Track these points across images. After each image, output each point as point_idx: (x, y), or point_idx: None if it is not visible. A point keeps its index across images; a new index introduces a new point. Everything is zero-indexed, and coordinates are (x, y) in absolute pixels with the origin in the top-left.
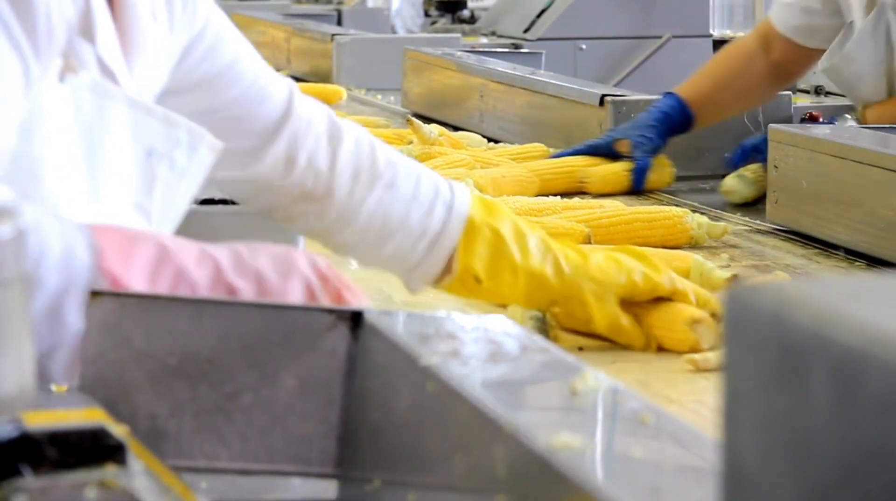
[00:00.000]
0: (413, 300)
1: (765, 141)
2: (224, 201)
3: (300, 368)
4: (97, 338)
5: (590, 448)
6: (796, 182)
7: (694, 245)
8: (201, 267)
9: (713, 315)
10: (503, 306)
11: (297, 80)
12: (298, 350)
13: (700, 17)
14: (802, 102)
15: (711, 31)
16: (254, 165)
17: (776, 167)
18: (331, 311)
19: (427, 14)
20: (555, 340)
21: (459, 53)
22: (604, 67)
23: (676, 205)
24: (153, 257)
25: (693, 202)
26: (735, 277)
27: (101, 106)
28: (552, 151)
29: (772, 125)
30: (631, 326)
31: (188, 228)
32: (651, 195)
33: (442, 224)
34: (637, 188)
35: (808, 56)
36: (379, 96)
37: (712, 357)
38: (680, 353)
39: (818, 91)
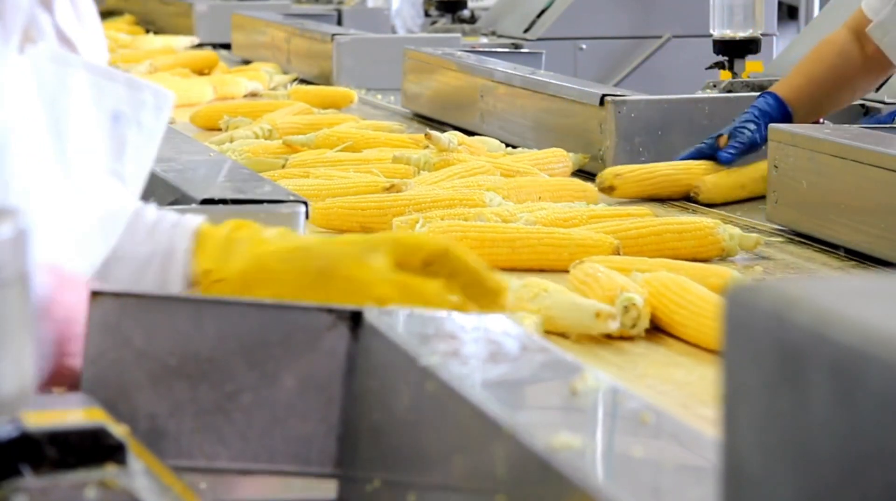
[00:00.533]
0: None
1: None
2: (224, 201)
3: (300, 368)
4: (97, 338)
5: (590, 448)
6: (796, 182)
7: (725, 257)
8: None
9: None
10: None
11: (304, 81)
12: (298, 350)
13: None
14: None
15: (711, 31)
16: None
17: (776, 167)
18: (331, 311)
19: (427, 14)
20: None
21: (459, 53)
22: (604, 67)
23: (675, 205)
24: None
25: (692, 203)
26: None
27: (63, 75)
28: (571, 155)
29: (772, 125)
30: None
31: None
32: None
33: (168, 240)
34: (722, 160)
35: None
36: (379, 96)
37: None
38: None
39: None
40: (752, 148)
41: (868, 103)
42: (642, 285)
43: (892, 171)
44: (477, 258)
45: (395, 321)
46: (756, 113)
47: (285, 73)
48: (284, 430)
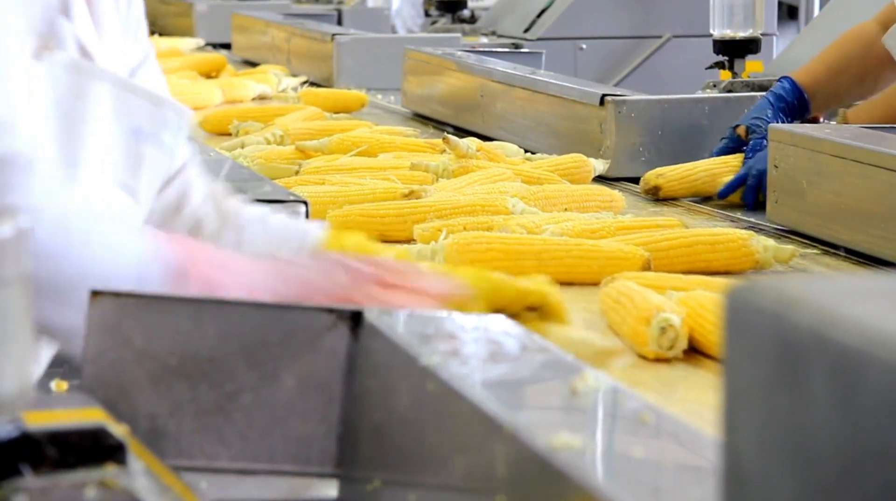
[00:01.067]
0: None
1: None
2: None
3: (300, 368)
4: (97, 338)
5: (590, 447)
6: (796, 182)
7: (759, 269)
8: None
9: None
10: None
11: (314, 85)
12: (298, 350)
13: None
14: None
15: (711, 31)
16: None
17: (776, 167)
18: (331, 311)
19: (427, 14)
20: None
21: (459, 53)
22: (604, 67)
23: (675, 205)
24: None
25: (693, 203)
26: None
27: (81, 84)
28: (591, 161)
29: (772, 125)
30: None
31: None
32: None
33: (296, 251)
34: (747, 200)
35: None
36: (379, 96)
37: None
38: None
39: None
40: None
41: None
42: (678, 305)
43: (892, 171)
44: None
45: (396, 320)
46: (771, 98)
47: (294, 75)
48: (284, 430)
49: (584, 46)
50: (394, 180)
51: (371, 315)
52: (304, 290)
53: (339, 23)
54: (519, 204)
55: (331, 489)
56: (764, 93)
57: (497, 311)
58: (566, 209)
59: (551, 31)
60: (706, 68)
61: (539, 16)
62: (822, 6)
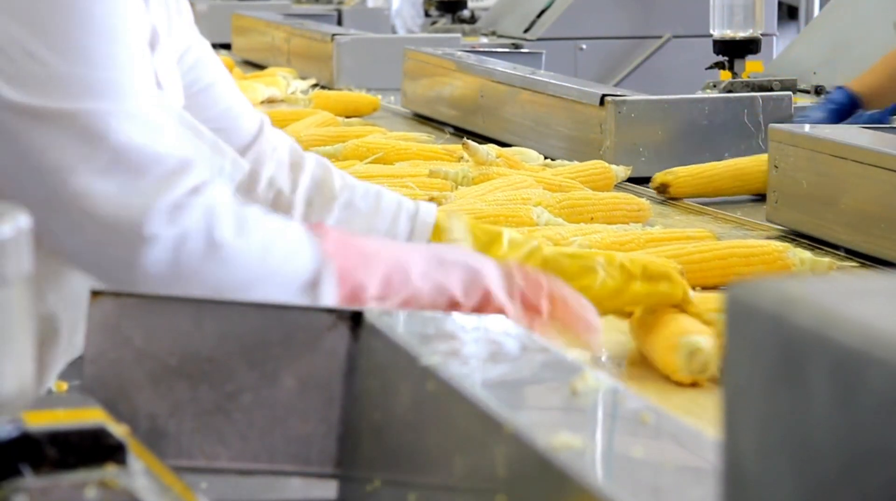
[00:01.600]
0: None
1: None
2: None
3: (300, 368)
4: (97, 338)
5: (590, 448)
6: (796, 182)
7: None
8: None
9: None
10: None
11: (326, 88)
12: (298, 350)
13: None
14: (802, 101)
15: (711, 31)
16: None
17: (776, 167)
18: (331, 311)
19: (427, 14)
20: None
21: (459, 53)
22: (604, 67)
23: (675, 205)
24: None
25: (692, 203)
26: None
27: (172, 127)
28: (614, 168)
29: (772, 125)
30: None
31: None
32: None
33: (407, 234)
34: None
35: None
36: (379, 96)
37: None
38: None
39: (818, 91)
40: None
41: None
42: (714, 325)
43: (892, 171)
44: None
45: (396, 320)
46: (824, 102)
47: (303, 78)
48: (284, 430)
49: (584, 46)
50: (412, 188)
51: (371, 315)
52: (477, 289)
53: (339, 23)
54: (544, 214)
55: (331, 489)
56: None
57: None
58: (592, 219)
59: (551, 31)
60: (706, 68)
61: (539, 16)
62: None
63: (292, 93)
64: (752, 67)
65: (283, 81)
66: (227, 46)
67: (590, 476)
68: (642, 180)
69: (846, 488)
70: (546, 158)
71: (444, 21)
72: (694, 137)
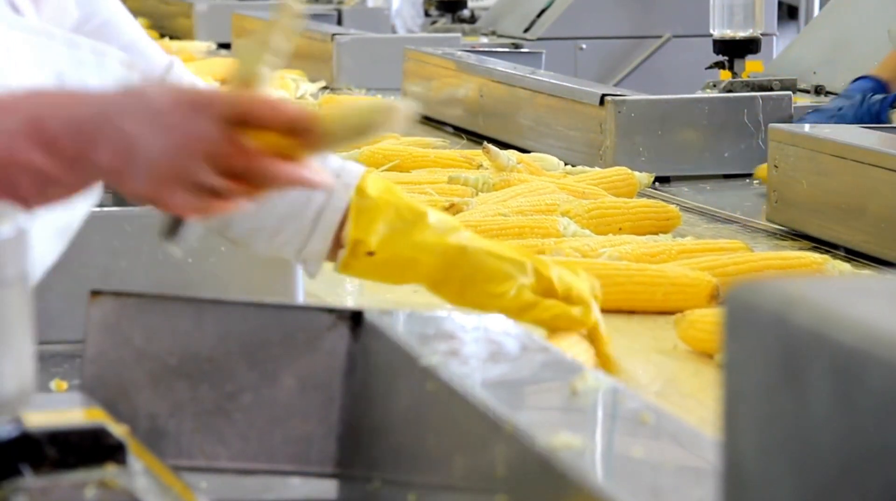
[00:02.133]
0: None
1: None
2: None
3: (300, 368)
4: (97, 338)
5: (590, 448)
6: (796, 182)
7: None
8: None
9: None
10: (402, 284)
11: (332, 89)
12: (298, 350)
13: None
14: (802, 101)
15: (711, 31)
16: None
17: (776, 167)
18: (331, 311)
19: (427, 14)
20: None
21: (459, 53)
22: (604, 67)
23: (677, 205)
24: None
25: (692, 202)
26: None
27: (4, 35)
28: (637, 174)
29: (772, 125)
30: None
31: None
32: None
33: (326, 193)
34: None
35: None
36: (379, 96)
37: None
38: None
39: (818, 91)
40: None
41: None
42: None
43: (892, 171)
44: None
45: (396, 320)
46: (852, 93)
47: (312, 81)
48: (284, 430)
49: (584, 46)
50: (432, 194)
51: (371, 315)
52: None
53: (339, 23)
54: (571, 225)
55: (331, 489)
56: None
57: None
58: (620, 229)
59: (551, 31)
60: (706, 68)
61: (539, 16)
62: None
63: (301, 96)
64: (752, 66)
65: (291, 84)
66: (227, 46)
67: (590, 476)
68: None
69: (846, 488)
70: (566, 164)
71: (444, 21)
72: (694, 137)
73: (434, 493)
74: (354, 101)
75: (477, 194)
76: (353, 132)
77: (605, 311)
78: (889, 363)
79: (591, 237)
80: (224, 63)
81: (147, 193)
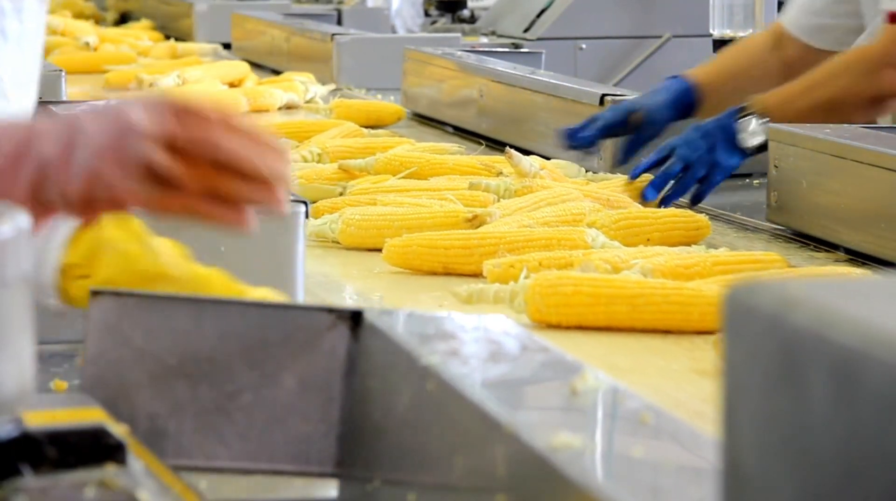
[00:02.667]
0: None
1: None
2: None
3: (300, 368)
4: (97, 338)
5: (590, 448)
6: (796, 182)
7: None
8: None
9: None
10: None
11: (340, 91)
12: (298, 350)
13: (700, 17)
14: None
15: (711, 31)
16: None
17: (776, 167)
18: (331, 311)
19: (427, 14)
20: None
21: (459, 53)
22: (604, 67)
23: (675, 205)
24: None
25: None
26: None
27: None
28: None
29: (772, 125)
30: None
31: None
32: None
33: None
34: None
35: (820, 58)
36: (379, 96)
37: None
38: None
39: None
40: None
41: None
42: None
43: (892, 171)
44: None
45: (395, 320)
46: (668, 96)
47: (322, 83)
48: (284, 430)
49: (584, 46)
50: (453, 200)
51: (371, 315)
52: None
53: (339, 23)
54: (599, 237)
55: (331, 489)
56: None
57: None
58: (648, 240)
59: (551, 31)
60: None
61: (539, 16)
62: None
63: (311, 98)
64: None
65: (300, 87)
66: (227, 46)
67: (590, 476)
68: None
69: (846, 487)
70: (588, 171)
71: (444, 21)
72: None
73: (434, 493)
74: (365, 104)
75: (498, 201)
76: None
77: (639, 330)
78: (889, 363)
79: (622, 250)
80: (232, 66)
81: (87, 184)
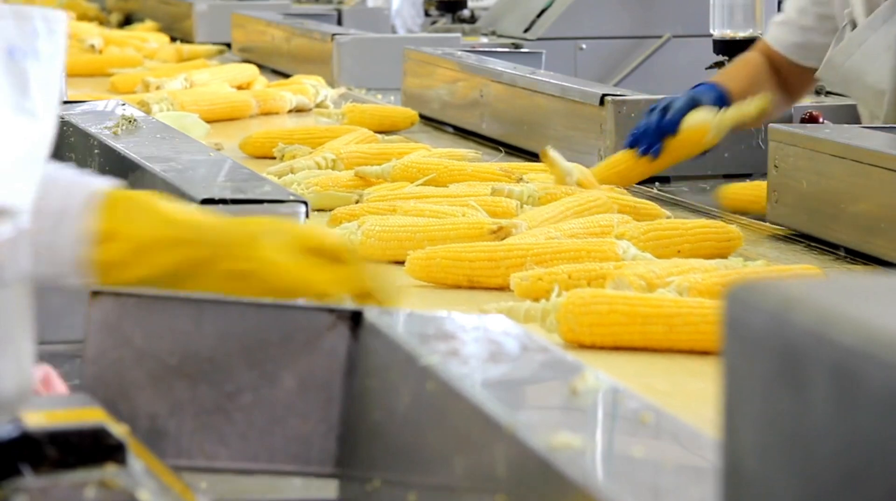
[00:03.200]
0: None
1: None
2: (223, 201)
3: (300, 368)
4: (97, 338)
5: (590, 448)
6: (796, 182)
7: None
8: None
9: None
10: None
11: (362, 99)
12: (298, 350)
13: (700, 17)
14: (803, 101)
15: (711, 31)
16: None
17: (776, 167)
18: (331, 310)
19: (427, 14)
20: None
21: (459, 53)
22: (604, 67)
23: (675, 205)
24: None
25: (692, 202)
26: None
27: None
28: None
29: (772, 125)
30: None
31: None
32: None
33: (62, 200)
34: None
35: (807, 74)
36: (379, 96)
37: None
38: None
39: (818, 91)
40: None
41: None
42: None
43: (892, 171)
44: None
45: (396, 320)
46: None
47: (331, 86)
48: (284, 430)
49: (584, 46)
50: (475, 208)
51: (371, 315)
52: None
53: (339, 23)
54: (630, 249)
55: (331, 489)
56: None
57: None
58: (679, 252)
59: (551, 31)
60: (706, 68)
61: (539, 16)
62: None
63: (321, 101)
64: None
65: (310, 89)
66: (227, 46)
67: (590, 476)
68: (643, 180)
69: (846, 487)
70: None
71: (444, 21)
72: None
73: (434, 493)
74: (379, 109)
75: (522, 207)
76: None
77: (677, 351)
78: (889, 363)
79: (655, 263)
80: (240, 69)
81: None
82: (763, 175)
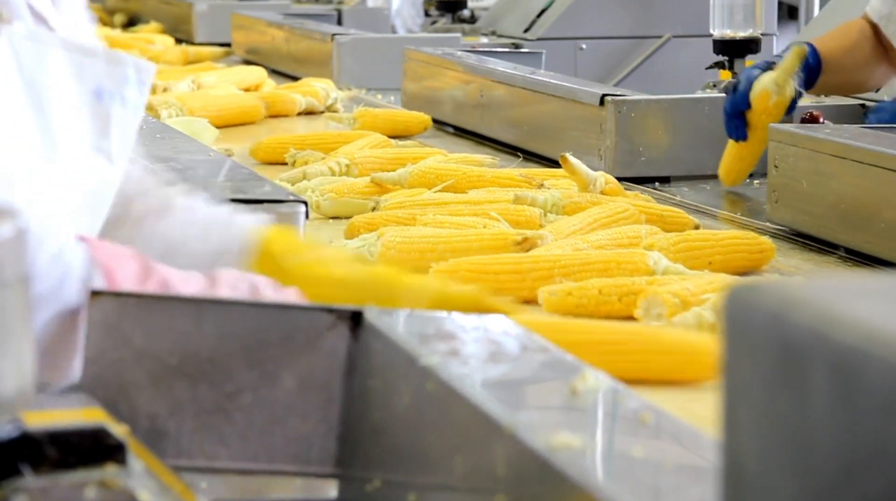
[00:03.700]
0: None
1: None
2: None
3: (300, 368)
4: (97, 338)
5: (590, 448)
6: (796, 182)
7: None
8: (186, 284)
9: None
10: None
11: (374, 103)
12: (298, 350)
13: (700, 17)
14: (803, 102)
15: (711, 31)
16: None
17: (776, 167)
18: (331, 310)
19: (427, 14)
20: None
21: (459, 53)
22: (604, 67)
23: (675, 205)
24: (138, 270)
25: (693, 202)
26: None
27: (41, 53)
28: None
29: (772, 125)
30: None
31: None
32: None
33: (218, 243)
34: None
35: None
36: (379, 96)
37: None
38: None
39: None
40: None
41: (867, 103)
42: None
43: (892, 171)
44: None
45: (396, 320)
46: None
47: (339, 88)
48: (284, 430)
49: (584, 46)
50: (496, 218)
51: (371, 315)
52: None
53: (339, 23)
54: (662, 260)
55: (331, 489)
56: None
57: None
58: (710, 263)
59: (551, 31)
60: (706, 68)
61: (539, 16)
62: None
63: (331, 104)
64: None
65: (320, 92)
66: (227, 46)
67: (590, 476)
68: (642, 180)
69: (846, 487)
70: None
71: (444, 21)
72: (694, 136)
73: (434, 493)
74: (392, 113)
75: (545, 215)
76: None
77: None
78: (889, 363)
79: (689, 279)
80: (248, 71)
81: None
82: (763, 175)
